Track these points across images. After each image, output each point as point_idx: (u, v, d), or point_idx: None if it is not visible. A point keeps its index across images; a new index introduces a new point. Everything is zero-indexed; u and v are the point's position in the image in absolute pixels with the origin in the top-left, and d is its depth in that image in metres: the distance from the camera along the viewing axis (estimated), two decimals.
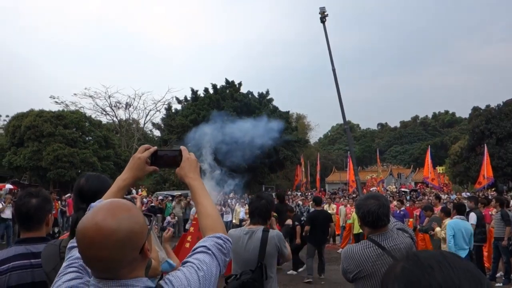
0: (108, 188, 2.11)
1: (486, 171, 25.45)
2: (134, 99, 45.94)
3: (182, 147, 1.82)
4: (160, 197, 23.18)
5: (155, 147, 1.81)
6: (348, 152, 40.60)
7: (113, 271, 1.31)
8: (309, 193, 34.13)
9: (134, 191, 27.17)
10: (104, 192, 1.98)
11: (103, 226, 1.26)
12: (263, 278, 3.63)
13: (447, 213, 8.20)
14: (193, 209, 17.69)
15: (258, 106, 43.29)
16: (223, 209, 19.17)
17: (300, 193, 34.30)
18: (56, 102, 42.53)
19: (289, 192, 36.08)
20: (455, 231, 7.08)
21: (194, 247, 1.57)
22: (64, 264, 1.55)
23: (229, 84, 46.00)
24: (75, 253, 1.52)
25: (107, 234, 1.26)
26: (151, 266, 2.02)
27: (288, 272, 10.60)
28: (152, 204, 19.66)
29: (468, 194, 21.94)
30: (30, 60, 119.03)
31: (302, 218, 11.90)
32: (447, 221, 7.56)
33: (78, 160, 33.28)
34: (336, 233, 15.78)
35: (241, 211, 18.59)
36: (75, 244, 1.54)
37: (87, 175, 2.60)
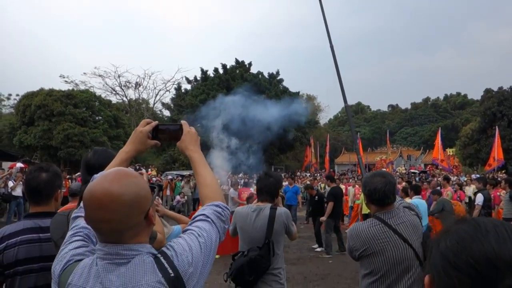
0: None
1: (497, 153, 25.23)
2: (143, 79, 45.81)
3: (182, 121, 1.85)
4: (170, 177, 23.35)
5: (157, 122, 1.83)
6: (358, 133, 40.46)
7: (118, 234, 1.35)
8: (318, 174, 34.14)
9: (144, 170, 27.39)
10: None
11: (111, 189, 1.31)
12: (270, 254, 3.65)
13: (406, 193, 8.91)
14: None
15: (268, 86, 43.06)
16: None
17: (309, 174, 34.35)
18: (66, 81, 42.62)
19: (298, 173, 36.15)
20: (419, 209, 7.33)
21: (194, 215, 1.60)
22: (69, 233, 1.58)
23: (239, 64, 45.76)
24: (80, 222, 1.56)
25: (114, 197, 1.30)
26: (156, 238, 2.04)
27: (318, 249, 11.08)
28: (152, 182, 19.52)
29: (478, 175, 21.76)
30: (39, 38, 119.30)
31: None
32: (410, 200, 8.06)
33: (88, 140, 33.51)
34: (345, 213, 15.83)
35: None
36: (80, 214, 1.58)
37: (94, 149, 2.63)
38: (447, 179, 11.59)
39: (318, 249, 11.14)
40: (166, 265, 1.36)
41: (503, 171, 26.86)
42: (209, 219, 1.55)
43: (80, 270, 1.39)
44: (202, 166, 1.77)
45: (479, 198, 9.15)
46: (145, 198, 1.39)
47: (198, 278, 1.41)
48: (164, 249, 1.43)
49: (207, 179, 1.74)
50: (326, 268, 9.29)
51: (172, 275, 1.35)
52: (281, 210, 3.89)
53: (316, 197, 12.11)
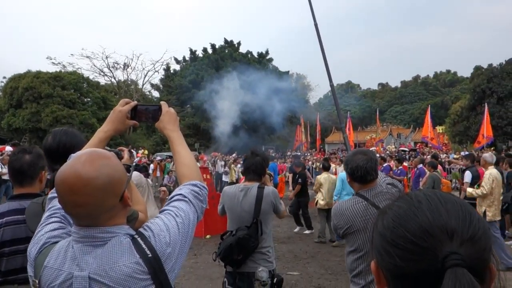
0: (79, 141, 2.08)
1: (486, 130, 25.34)
2: (132, 60, 45.36)
3: (162, 102, 1.84)
4: (159, 158, 23.35)
5: (136, 102, 1.82)
6: (348, 112, 40.51)
7: (94, 218, 1.33)
8: (309, 153, 34.28)
9: (134, 152, 27.28)
10: (76, 146, 1.95)
11: (82, 173, 1.28)
12: (258, 234, 3.68)
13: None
14: None
15: (258, 66, 42.81)
16: (226, 169, 19.35)
17: (299, 153, 34.46)
18: (53, 63, 41.96)
19: (288, 153, 36.26)
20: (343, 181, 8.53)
21: (171, 195, 1.58)
22: (46, 214, 1.55)
23: (228, 43, 45.41)
24: (56, 203, 1.52)
25: (86, 180, 1.28)
26: (137, 218, 2.03)
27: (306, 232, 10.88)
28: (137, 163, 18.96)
29: (467, 153, 21.95)
30: (25, 19, 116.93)
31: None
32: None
33: (77, 122, 33.23)
34: None
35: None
36: (56, 194, 1.54)
37: (53, 132, 2.47)
38: (435, 157, 11.64)
39: (302, 231, 10.99)
40: (144, 245, 1.35)
41: (492, 148, 27.10)
42: (187, 199, 1.54)
43: (56, 253, 1.38)
44: (180, 145, 1.75)
45: (468, 176, 9.22)
46: (120, 180, 1.37)
47: (176, 258, 1.41)
48: (141, 229, 1.42)
49: (185, 158, 1.72)
50: (316, 246, 9.38)
51: (150, 255, 1.34)
52: (269, 189, 3.90)
53: (298, 177, 11.93)
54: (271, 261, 3.79)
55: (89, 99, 37.49)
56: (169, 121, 1.78)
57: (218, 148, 33.09)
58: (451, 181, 16.14)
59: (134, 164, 1.53)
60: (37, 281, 1.37)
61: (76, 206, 1.30)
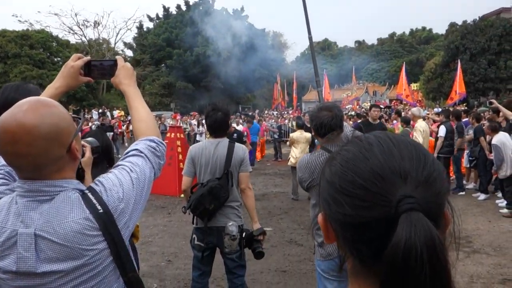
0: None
1: (459, 87, 25.66)
2: (102, 17, 43.87)
3: (117, 57, 1.76)
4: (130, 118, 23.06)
5: (88, 57, 1.73)
6: (325, 70, 40.38)
7: (38, 170, 1.25)
8: (285, 112, 34.33)
9: (108, 113, 26.83)
10: None
11: (25, 121, 1.19)
12: (229, 185, 3.67)
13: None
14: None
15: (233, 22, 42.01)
16: (200, 129, 19.20)
17: (276, 112, 34.49)
18: (20, 21, 40.66)
19: (265, 112, 36.25)
20: None
21: (126, 150, 1.52)
22: None
23: (202, 0, 44.23)
24: (1, 160, 1.45)
25: (29, 128, 1.19)
26: (84, 179, 1.95)
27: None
28: (103, 122, 18.09)
29: (440, 109, 22.27)
30: None
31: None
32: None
33: (47, 82, 31.38)
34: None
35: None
36: None
37: (3, 87, 2.20)
38: (398, 113, 11.75)
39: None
40: (94, 201, 1.29)
41: (464, 104, 27.57)
42: (143, 154, 1.47)
43: None
44: (137, 101, 1.67)
45: (442, 130, 9.41)
46: (66, 130, 1.28)
47: (130, 215, 1.35)
48: (92, 184, 1.35)
49: (141, 113, 1.64)
50: (290, 203, 9.52)
51: (101, 211, 1.28)
52: (240, 145, 3.88)
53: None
54: (240, 216, 3.82)
55: (59, 59, 36.43)
56: (126, 75, 1.70)
57: (194, 109, 32.80)
58: None
59: (85, 117, 1.42)
60: None
61: (18, 157, 1.21)
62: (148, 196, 1.46)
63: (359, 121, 12.93)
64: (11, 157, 1.24)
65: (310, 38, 7.14)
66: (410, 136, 8.32)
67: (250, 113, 27.28)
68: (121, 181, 1.36)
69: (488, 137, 8.82)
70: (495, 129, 8.25)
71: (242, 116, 22.22)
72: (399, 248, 0.61)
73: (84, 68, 1.71)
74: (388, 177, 0.66)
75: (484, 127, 8.96)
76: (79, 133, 1.41)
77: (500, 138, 8.07)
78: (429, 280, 0.60)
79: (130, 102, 1.67)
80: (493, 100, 10.15)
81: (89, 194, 1.30)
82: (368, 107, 11.73)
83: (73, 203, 1.27)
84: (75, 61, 1.68)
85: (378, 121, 8.87)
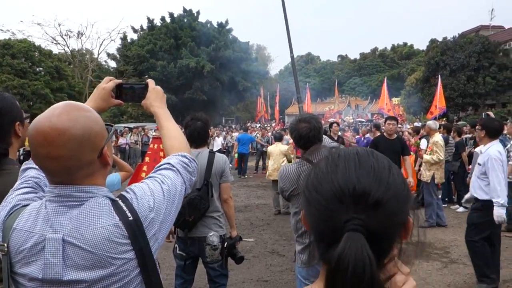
0: (14, 109, 2.01)
1: (439, 101, 26.13)
2: (86, 28, 43.70)
3: (148, 80, 1.79)
4: (118, 130, 22.97)
5: (120, 80, 1.75)
6: (308, 84, 40.77)
7: (68, 173, 1.23)
8: (268, 125, 34.46)
9: None
10: (10, 113, 1.89)
11: (58, 123, 1.19)
12: (208, 195, 3.70)
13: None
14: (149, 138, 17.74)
15: (217, 36, 42.22)
16: None
17: (259, 125, 34.59)
18: (1, 30, 39.91)
19: (248, 124, 36.31)
20: None
21: (159, 164, 1.51)
22: (19, 181, 1.47)
23: (187, 12, 44.43)
24: (30, 172, 1.46)
25: (61, 130, 1.18)
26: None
27: None
28: None
29: (421, 123, 22.66)
30: None
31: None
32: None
33: (29, 92, 32.01)
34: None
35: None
36: (30, 165, 1.47)
37: None
38: (376, 126, 11.85)
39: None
40: (125, 208, 1.26)
41: (444, 119, 28.05)
42: (175, 168, 1.46)
43: (27, 214, 1.27)
44: (167, 120, 1.69)
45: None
46: (99, 134, 1.27)
47: (159, 226, 1.31)
48: (123, 192, 1.33)
49: (174, 132, 1.66)
50: (272, 214, 9.56)
51: (131, 218, 1.24)
52: (220, 155, 3.92)
53: None
54: (222, 227, 3.84)
55: (41, 69, 36.01)
56: (156, 98, 1.72)
57: (177, 121, 32.68)
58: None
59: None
60: (5, 245, 1.25)
61: (50, 159, 1.19)
62: (179, 210, 1.44)
63: (378, 134, 13.03)
64: (43, 159, 1.22)
65: (292, 57, 7.32)
66: (429, 149, 8.31)
67: (243, 125, 27.44)
68: (153, 191, 1.34)
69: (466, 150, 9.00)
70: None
71: (225, 128, 22.88)
72: (334, 259, 0.75)
73: (116, 91, 1.73)
74: (342, 199, 0.79)
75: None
76: (111, 141, 1.40)
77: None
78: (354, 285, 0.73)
79: (161, 122, 1.69)
80: (490, 112, 10.27)
81: (120, 202, 1.28)
82: (350, 120, 11.92)
83: (102, 209, 1.25)
84: (106, 83, 1.70)
85: (395, 135, 8.13)
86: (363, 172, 0.81)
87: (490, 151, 4.95)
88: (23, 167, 1.52)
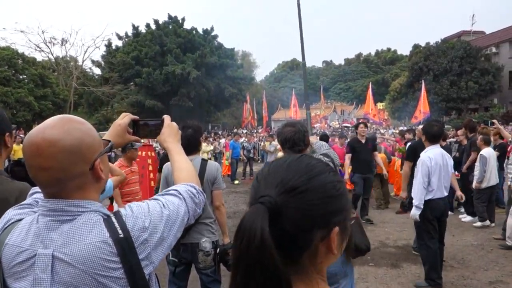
0: (4, 121, 2.02)
1: (423, 106, 26.54)
2: (70, 35, 43.37)
3: (165, 116, 1.84)
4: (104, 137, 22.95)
5: (136, 116, 1.78)
6: (293, 89, 40.95)
7: (59, 185, 1.23)
8: (255, 131, 34.56)
9: None
10: (0, 125, 1.92)
11: (50, 134, 1.21)
12: None
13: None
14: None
15: (203, 43, 42.25)
16: None
17: (246, 131, 34.65)
18: None
19: (235, 130, 36.34)
20: None
21: (166, 189, 1.51)
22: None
23: (172, 19, 44.38)
24: (35, 196, 1.46)
25: (52, 142, 1.19)
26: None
27: None
28: None
29: (405, 128, 22.98)
30: None
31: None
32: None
33: (12, 100, 31.66)
34: None
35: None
36: (37, 190, 1.46)
37: None
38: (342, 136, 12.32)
39: None
40: (117, 224, 1.24)
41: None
42: (181, 196, 1.46)
43: (19, 229, 1.27)
44: (180, 155, 1.74)
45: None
46: (91, 146, 1.27)
47: (154, 249, 1.28)
48: (120, 208, 1.32)
49: (184, 164, 1.70)
50: None
51: (122, 235, 1.22)
52: (213, 163, 3.96)
53: None
54: (214, 233, 3.86)
55: (25, 76, 35.67)
56: (170, 134, 1.78)
57: None
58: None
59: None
60: None
61: (41, 170, 1.20)
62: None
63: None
64: (35, 170, 1.22)
65: (304, 65, 7.41)
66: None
67: (231, 131, 27.45)
68: (151, 212, 1.32)
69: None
70: (487, 142, 8.54)
71: (211, 135, 23.10)
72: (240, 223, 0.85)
73: (132, 127, 1.76)
74: (265, 182, 0.91)
75: (477, 140, 8.94)
76: (107, 156, 1.40)
77: (489, 151, 8.39)
78: (244, 248, 0.81)
79: (173, 155, 1.74)
80: (495, 121, 10.37)
81: (113, 218, 1.26)
82: (336, 126, 12.18)
83: (93, 225, 1.23)
84: (122, 119, 1.73)
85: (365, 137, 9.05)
86: (294, 165, 0.93)
87: (422, 155, 5.31)
88: (31, 191, 1.52)
